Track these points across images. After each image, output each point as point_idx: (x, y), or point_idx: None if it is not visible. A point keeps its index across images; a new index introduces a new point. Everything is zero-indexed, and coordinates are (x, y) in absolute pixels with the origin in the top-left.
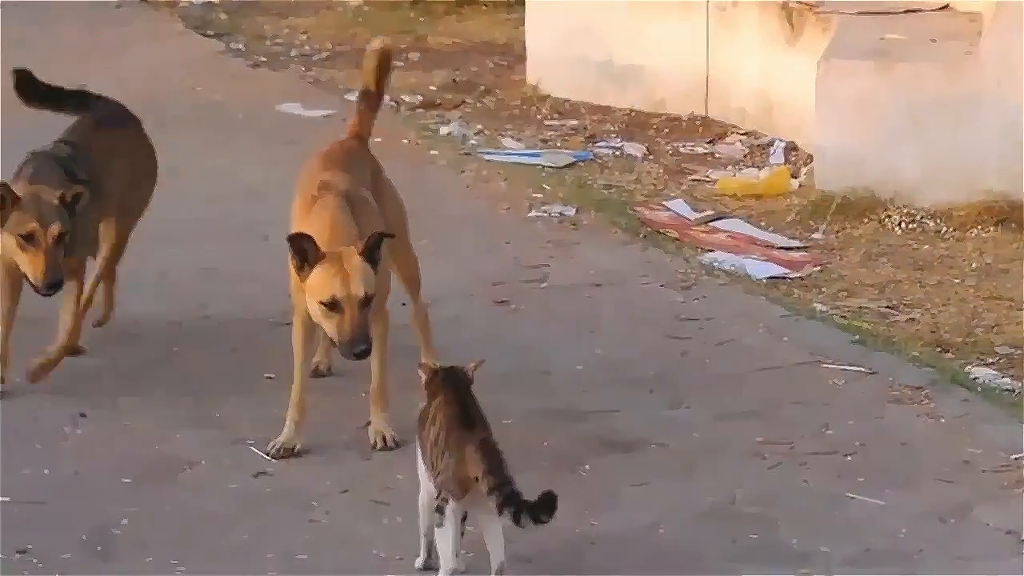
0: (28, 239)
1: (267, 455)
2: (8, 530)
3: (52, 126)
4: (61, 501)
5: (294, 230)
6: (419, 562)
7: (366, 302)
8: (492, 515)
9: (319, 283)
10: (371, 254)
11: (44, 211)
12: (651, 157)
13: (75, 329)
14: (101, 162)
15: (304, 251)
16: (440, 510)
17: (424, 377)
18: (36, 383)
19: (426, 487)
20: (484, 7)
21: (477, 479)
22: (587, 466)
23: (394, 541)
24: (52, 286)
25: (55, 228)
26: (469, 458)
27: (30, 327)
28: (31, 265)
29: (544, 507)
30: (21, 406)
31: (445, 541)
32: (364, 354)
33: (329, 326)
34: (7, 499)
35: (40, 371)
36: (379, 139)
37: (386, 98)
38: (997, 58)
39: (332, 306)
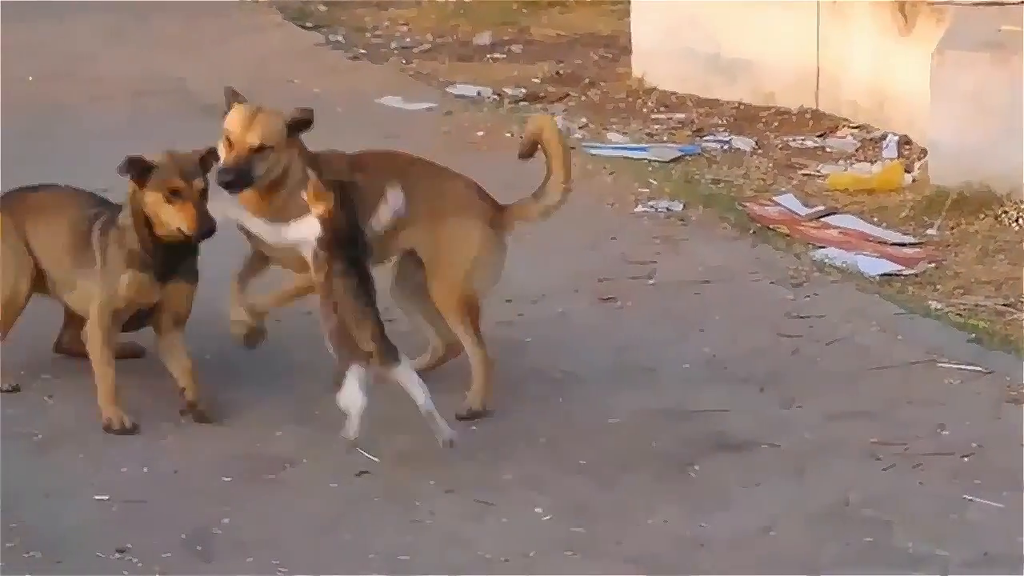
0: (175, 194)
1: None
2: (108, 529)
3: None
4: (161, 500)
5: None
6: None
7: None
8: (405, 369)
9: None
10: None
11: (186, 168)
12: (760, 151)
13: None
14: None
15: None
16: (340, 377)
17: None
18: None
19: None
20: None
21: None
22: (696, 467)
23: (500, 541)
24: (205, 234)
25: (199, 182)
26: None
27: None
28: (181, 216)
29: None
30: (120, 404)
31: (347, 405)
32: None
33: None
34: (106, 497)
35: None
36: (481, 132)
37: (487, 91)
38: None
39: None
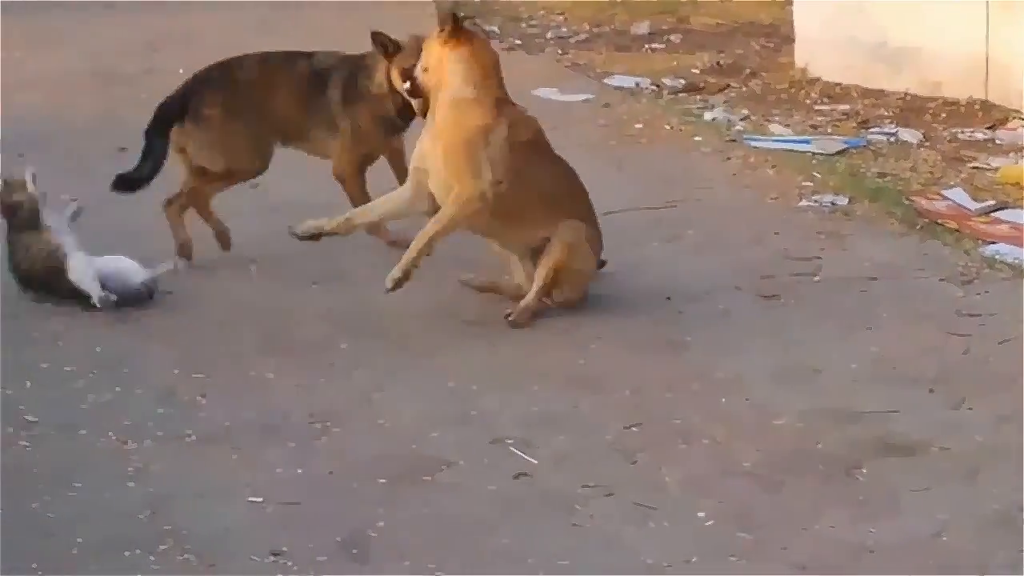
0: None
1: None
2: (262, 531)
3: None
4: (316, 502)
5: None
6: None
7: None
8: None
9: None
10: None
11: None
12: (927, 144)
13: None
14: None
15: None
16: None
17: None
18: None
19: None
20: None
21: None
22: (864, 470)
23: (662, 547)
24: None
25: None
26: None
27: None
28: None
29: None
30: (272, 404)
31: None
32: None
33: None
34: (260, 499)
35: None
36: (640, 124)
37: (645, 81)
38: None
39: None
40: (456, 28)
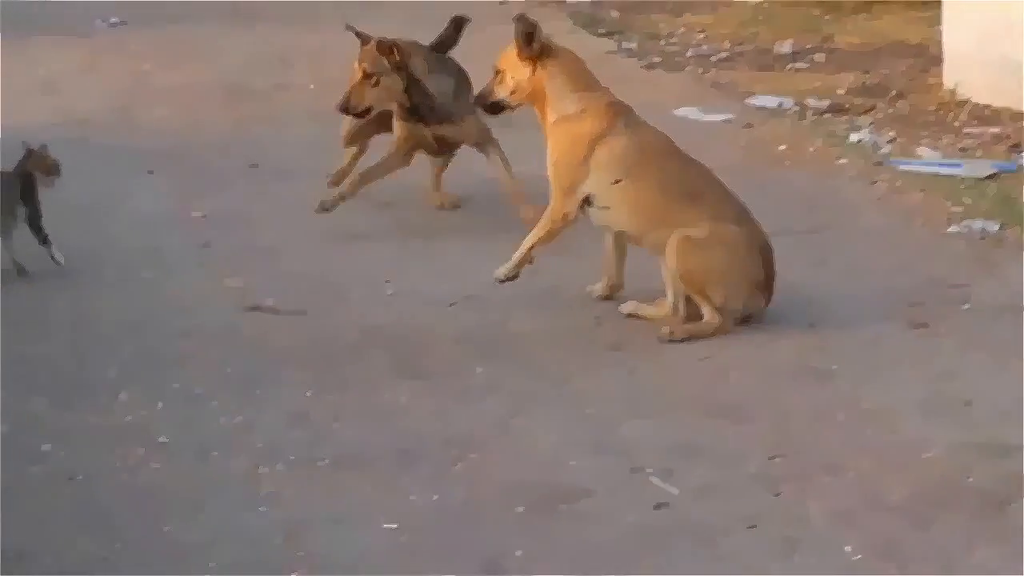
0: None
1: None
2: (397, 558)
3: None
4: (452, 530)
5: None
6: None
7: None
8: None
9: None
10: None
11: None
12: None
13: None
14: None
15: None
16: None
17: None
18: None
19: None
20: (895, 4)
21: None
22: (1016, 505)
23: None
24: None
25: None
26: None
27: None
28: None
29: None
30: (406, 429)
31: None
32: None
33: None
34: (395, 526)
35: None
36: (783, 146)
37: (789, 102)
38: None
39: None
40: (542, 45)
